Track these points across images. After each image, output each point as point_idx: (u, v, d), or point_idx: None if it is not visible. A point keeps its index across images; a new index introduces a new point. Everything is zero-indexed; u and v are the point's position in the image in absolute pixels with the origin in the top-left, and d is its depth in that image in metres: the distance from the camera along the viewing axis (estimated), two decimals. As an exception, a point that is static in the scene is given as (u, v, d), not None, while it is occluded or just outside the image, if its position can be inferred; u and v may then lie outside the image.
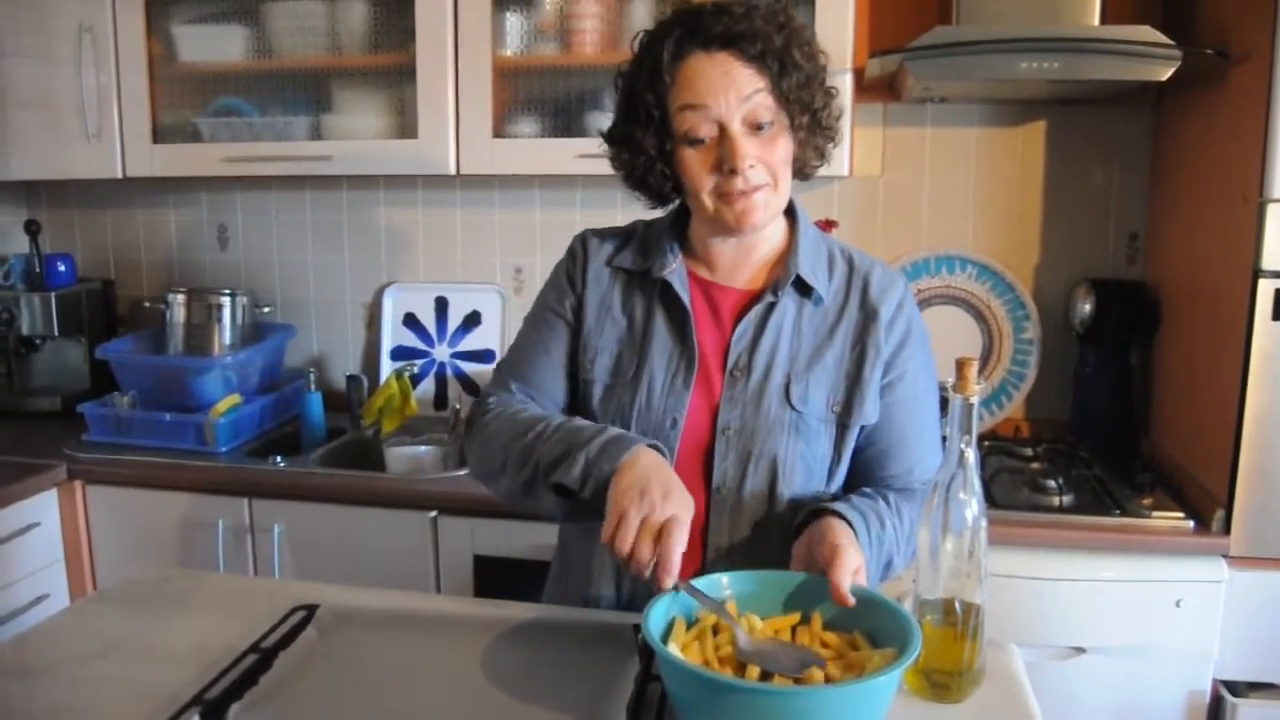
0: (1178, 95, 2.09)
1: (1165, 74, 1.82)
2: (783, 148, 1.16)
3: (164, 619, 1.21)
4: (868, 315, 1.25)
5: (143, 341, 2.53)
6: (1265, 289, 1.69)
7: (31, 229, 2.58)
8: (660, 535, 1.01)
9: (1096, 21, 1.94)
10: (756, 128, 1.15)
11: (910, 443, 1.26)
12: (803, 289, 1.25)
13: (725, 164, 1.14)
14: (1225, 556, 1.77)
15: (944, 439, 1.03)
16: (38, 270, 2.60)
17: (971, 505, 1.00)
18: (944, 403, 1.03)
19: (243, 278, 2.72)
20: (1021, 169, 2.33)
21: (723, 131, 1.14)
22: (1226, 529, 1.76)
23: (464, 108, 2.21)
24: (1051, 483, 1.94)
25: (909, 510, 1.21)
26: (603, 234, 1.33)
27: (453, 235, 2.61)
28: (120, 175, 2.41)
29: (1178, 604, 1.77)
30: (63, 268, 2.66)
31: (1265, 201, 1.67)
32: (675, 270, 1.26)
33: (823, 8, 2.04)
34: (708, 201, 1.18)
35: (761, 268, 1.27)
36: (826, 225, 2.34)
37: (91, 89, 2.36)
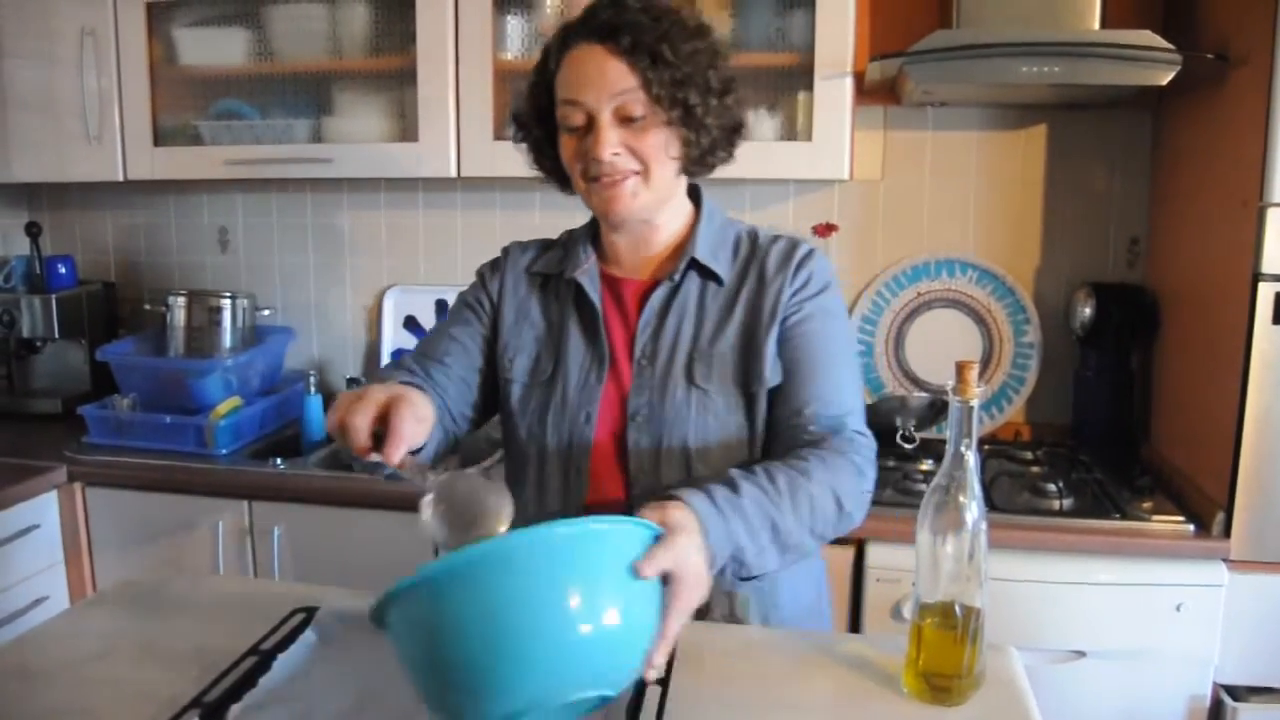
0: (1178, 99, 2.09)
1: (1165, 78, 1.82)
2: (654, 138, 1.17)
3: (163, 621, 1.21)
4: (763, 280, 1.26)
5: (143, 344, 2.53)
6: (1265, 292, 1.69)
7: (32, 231, 2.58)
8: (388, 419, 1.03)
9: (1097, 26, 1.94)
10: (629, 119, 1.16)
11: (801, 381, 1.22)
12: (705, 273, 1.27)
13: (590, 151, 1.17)
14: (1225, 560, 1.77)
15: (942, 442, 1.03)
16: (39, 272, 2.60)
17: (971, 508, 1.00)
18: (944, 406, 1.03)
19: (243, 280, 2.73)
20: (1022, 173, 2.34)
21: (592, 120, 1.17)
22: (1227, 533, 1.76)
23: (465, 111, 2.21)
24: (1052, 486, 1.94)
25: (787, 472, 1.11)
26: (526, 244, 1.40)
27: (453, 238, 2.61)
28: (121, 178, 2.41)
29: (1178, 608, 1.77)
30: (64, 270, 2.66)
31: (1265, 205, 1.67)
32: (586, 270, 1.29)
33: (823, 11, 2.04)
34: (580, 185, 1.22)
35: (664, 258, 1.30)
36: (826, 229, 2.34)
37: (93, 92, 2.36)
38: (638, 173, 1.19)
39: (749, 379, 1.23)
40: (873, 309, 2.40)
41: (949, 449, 1.00)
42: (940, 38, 1.89)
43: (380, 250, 2.65)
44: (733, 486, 1.06)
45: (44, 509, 2.14)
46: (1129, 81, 1.86)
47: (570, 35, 1.19)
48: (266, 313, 2.64)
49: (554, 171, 1.29)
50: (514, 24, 2.24)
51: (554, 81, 1.21)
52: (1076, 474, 2.06)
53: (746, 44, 2.14)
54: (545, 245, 1.38)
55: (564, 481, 1.25)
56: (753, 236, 1.31)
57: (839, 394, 1.22)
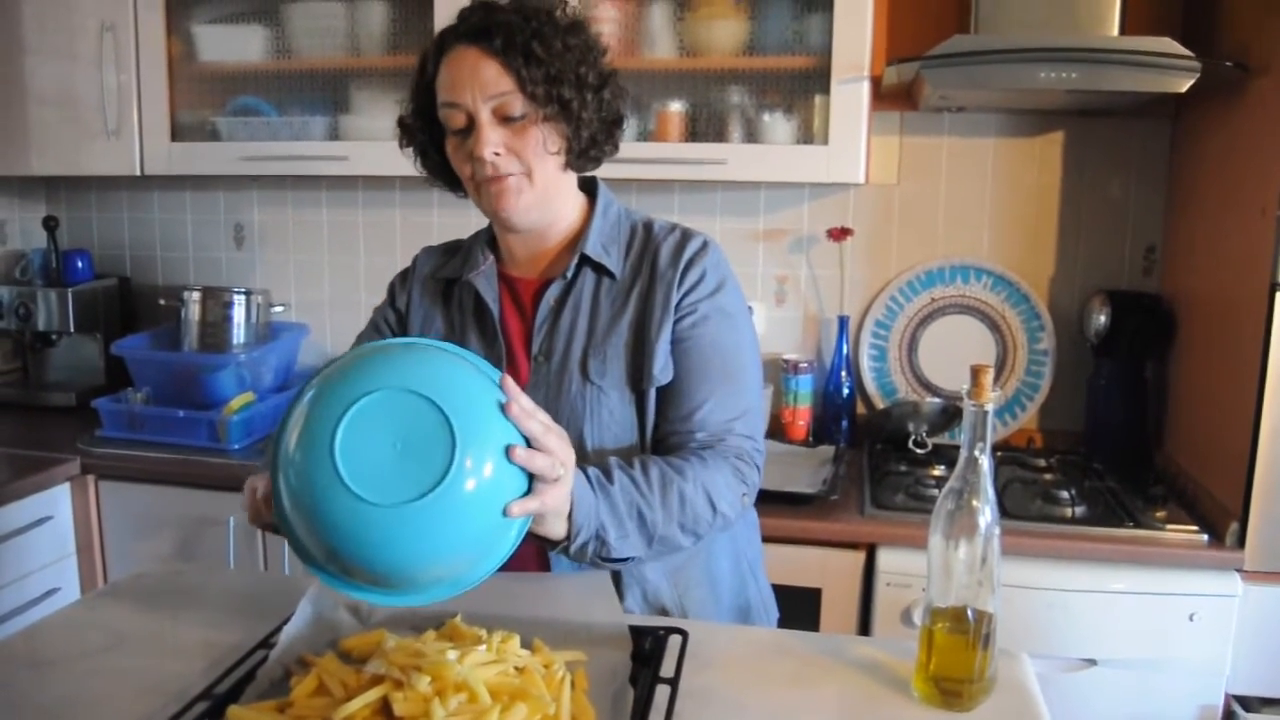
0: (1196, 107, 2.08)
1: (1184, 86, 1.81)
2: (534, 138, 1.18)
3: (174, 613, 1.22)
4: (655, 275, 1.26)
5: (157, 338, 2.54)
6: (1283, 302, 1.68)
7: (50, 225, 2.59)
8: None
9: (1116, 32, 1.94)
10: (509, 118, 1.18)
11: (691, 386, 1.23)
12: (598, 268, 1.27)
13: (472, 151, 1.18)
14: (1239, 570, 1.76)
15: (952, 445, 1.03)
16: (55, 266, 2.61)
17: (985, 513, 0.99)
18: (957, 412, 1.03)
19: (258, 276, 2.74)
20: (1038, 179, 2.33)
21: (473, 120, 1.18)
22: (1241, 543, 1.75)
23: (481, 110, 2.21)
24: (1064, 494, 1.93)
25: (661, 466, 1.15)
26: (435, 249, 1.41)
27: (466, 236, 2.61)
28: (138, 173, 2.42)
29: (1191, 618, 1.75)
30: (80, 264, 2.68)
31: (1284, 214, 1.66)
32: (483, 272, 1.31)
33: (840, 15, 2.03)
34: (471, 188, 1.24)
35: (559, 254, 1.30)
36: (841, 233, 2.34)
37: (112, 87, 2.37)
38: (520, 172, 1.20)
39: (639, 376, 1.24)
40: (886, 314, 2.39)
41: (963, 453, 1.00)
42: (958, 42, 1.88)
43: (395, 248, 2.65)
44: (605, 470, 1.11)
45: (57, 501, 2.15)
46: (1147, 89, 1.85)
47: (446, 39, 1.21)
48: (280, 309, 2.65)
49: (441, 174, 1.30)
50: (531, 24, 2.24)
51: (434, 86, 1.22)
52: (1089, 482, 2.05)
53: (763, 47, 2.14)
54: (450, 249, 1.40)
55: None
56: (648, 227, 1.31)
57: (728, 401, 1.23)
